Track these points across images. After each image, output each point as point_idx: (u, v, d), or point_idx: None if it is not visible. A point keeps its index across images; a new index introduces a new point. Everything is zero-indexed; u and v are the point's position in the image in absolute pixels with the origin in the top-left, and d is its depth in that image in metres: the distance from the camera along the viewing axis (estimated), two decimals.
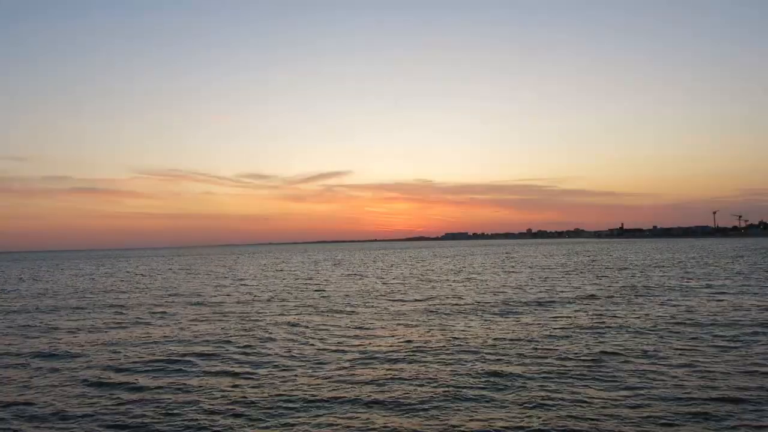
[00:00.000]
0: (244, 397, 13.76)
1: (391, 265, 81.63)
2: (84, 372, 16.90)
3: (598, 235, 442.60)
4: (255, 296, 38.39)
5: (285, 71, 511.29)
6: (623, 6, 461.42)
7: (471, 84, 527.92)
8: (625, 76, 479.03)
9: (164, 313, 30.62)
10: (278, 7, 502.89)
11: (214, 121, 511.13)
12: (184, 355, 18.91)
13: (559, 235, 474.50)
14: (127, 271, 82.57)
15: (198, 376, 15.93)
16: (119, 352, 19.64)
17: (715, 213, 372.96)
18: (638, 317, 24.56)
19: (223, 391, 14.35)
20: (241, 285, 49.20)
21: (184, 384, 15.13)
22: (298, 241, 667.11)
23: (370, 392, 13.83)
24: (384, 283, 47.08)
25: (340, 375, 15.57)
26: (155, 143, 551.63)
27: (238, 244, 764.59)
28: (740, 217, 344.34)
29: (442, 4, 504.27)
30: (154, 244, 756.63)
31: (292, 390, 14.18)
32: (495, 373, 15.29)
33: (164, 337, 22.59)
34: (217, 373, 16.23)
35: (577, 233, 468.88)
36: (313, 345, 20.08)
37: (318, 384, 14.69)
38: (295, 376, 15.66)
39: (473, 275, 54.37)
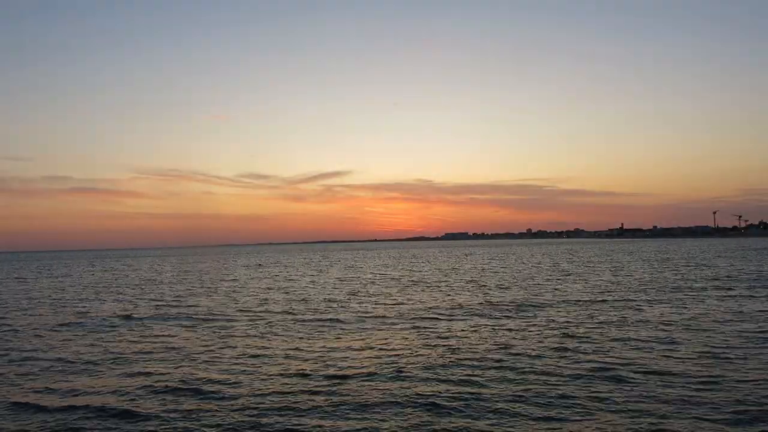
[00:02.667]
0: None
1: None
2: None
3: (597, 235, 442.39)
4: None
5: (285, 71, 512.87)
6: (624, 6, 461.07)
7: (471, 84, 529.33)
8: (625, 76, 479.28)
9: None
10: (278, 7, 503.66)
11: (214, 121, 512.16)
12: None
13: (559, 235, 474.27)
14: (114, 272, 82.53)
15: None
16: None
17: (715, 213, 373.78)
18: None
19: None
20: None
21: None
22: (297, 241, 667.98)
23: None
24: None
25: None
26: (155, 143, 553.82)
27: (238, 244, 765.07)
28: (740, 217, 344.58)
29: (443, 4, 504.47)
30: (154, 244, 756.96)
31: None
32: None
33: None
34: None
35: (577, 233, 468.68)
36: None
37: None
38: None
39: None
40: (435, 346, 20.12)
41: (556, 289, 39.22)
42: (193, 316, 29.77)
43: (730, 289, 36.84)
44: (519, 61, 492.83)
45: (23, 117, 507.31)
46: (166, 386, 15.58)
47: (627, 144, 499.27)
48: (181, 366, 18.06)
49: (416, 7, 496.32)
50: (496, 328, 23.66)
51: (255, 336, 23.27)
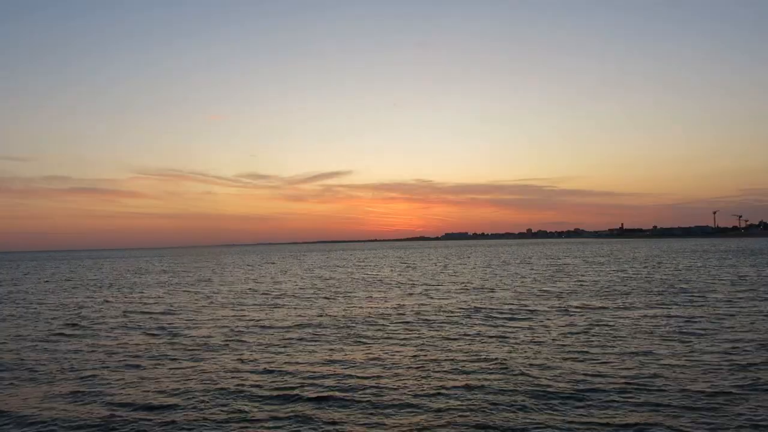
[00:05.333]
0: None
1: None
2: None
3: (598, 235, 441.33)
4: None
5: (285, 71, 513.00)
6: (624, 6, 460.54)
7: (471, 84, 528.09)
8: (624, 76, 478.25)
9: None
10: (278, 7, 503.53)
11: (214, 121, 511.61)
12: None
13: (559, 235, 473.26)
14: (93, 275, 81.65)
15: None
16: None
17: (715, 213, 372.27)
18: None
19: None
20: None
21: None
22: (297, 241, 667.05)
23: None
24: None
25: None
26: (155, 143, 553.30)
27: (238, 244, 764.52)
28: (740, 217, 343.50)
29: (442, 4, 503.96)
30: (154, 244, 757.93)
31: None
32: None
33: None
34: None
35: (577, 233, 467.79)
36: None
37: None
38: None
39: None
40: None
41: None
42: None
43: None
44: (519, 61, 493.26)
45: (23, 117, 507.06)
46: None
47: (627, 144, 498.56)
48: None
49: (416, 7, 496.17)
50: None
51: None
